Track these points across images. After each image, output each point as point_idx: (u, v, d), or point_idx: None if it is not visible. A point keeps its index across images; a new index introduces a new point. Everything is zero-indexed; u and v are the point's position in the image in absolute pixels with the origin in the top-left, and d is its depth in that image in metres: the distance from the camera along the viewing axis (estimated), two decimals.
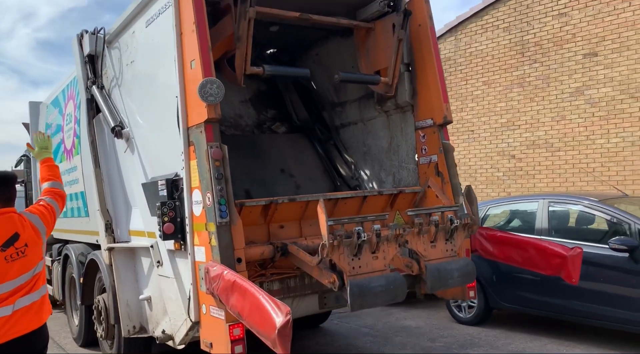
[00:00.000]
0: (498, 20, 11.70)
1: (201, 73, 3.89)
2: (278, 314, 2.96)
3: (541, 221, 6.35)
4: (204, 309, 4.01)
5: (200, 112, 3.95)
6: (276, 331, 2.90)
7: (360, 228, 3.74)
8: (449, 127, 5.25)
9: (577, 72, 10.51)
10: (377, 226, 3.78)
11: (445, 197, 5.08)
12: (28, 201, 10.28)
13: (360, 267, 3.81)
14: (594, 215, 6.18)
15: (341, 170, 6.28)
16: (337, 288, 3.77)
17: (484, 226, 6.37)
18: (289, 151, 6.21)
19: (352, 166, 6.23)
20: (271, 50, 6.71)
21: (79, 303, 6.61)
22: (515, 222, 7.04)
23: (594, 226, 6.39)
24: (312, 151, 6.36)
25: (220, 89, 3.83)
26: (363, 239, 3.71)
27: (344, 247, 3.73)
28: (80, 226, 6.98)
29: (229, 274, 3.51)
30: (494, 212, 7.24)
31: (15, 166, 10.98)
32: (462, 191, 5.01)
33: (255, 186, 5.58)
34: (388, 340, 6.55)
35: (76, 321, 7.15)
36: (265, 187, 5.65)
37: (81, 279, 6.42)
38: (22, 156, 10.35)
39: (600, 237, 5.92)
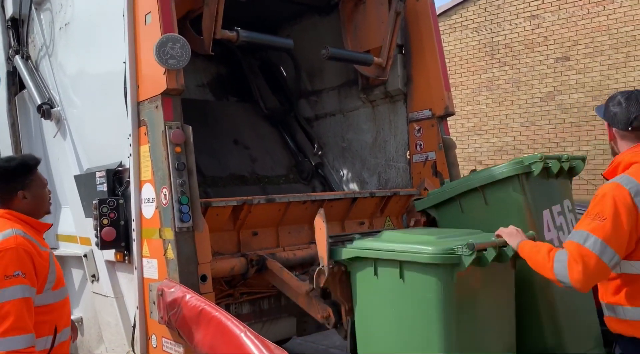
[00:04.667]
0: (467, 20, 11.23)
1: (160, 29, 2.95)
2: None
3: None
4: (153, 341, 3.06)
5: (156, 82, 3.01)
6: None
7: None
8: None
9: (549, 77, 10.16)
10: None
11: None
12: None
13: None
14: None
15: (301, 143, 5.48)
16: (332, 325, 2.98)
17: None
18: (242, 120, 5.35)
19: (315, 141, 5.41)
20: (235, 28, 5.79)
21: None
22: None
23: None
24: (268, 122, 5.53)
25: (184, 50, 2.91)
26: None
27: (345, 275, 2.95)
28: None
29: (192, 299, 2.58)
30: None
31: None
32: None
33: (205, 158, 4.69)
34: None
35: None
36: (217, 160, 4.79)
37: None
38: None
39: None
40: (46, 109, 4.18)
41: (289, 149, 5.46)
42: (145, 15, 3.07)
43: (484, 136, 10.94)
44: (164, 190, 2.96)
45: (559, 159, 3.32)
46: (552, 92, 10.06)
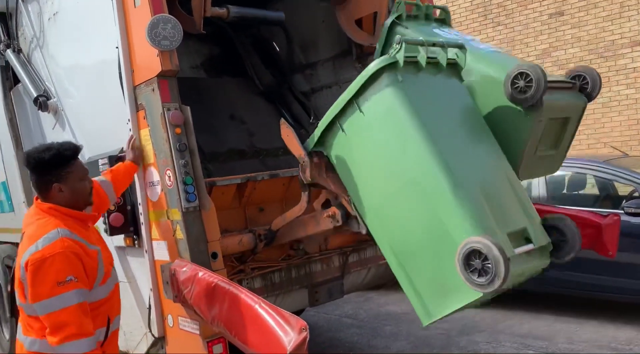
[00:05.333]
0: None
1: (150, 10, 2.93)
2: (287, 331, 2.12)
3: (538, 188, 5.76)
4: (170, 321, 3.11)
5: (150, 64, 3.00)
6: None
7: None
8: None
9: (543, 33, 10.07)
10: None
11: None
12: None
13: None
14: (603, 178, 5.63)
15: (298, 116, 5.46)
16: (342, 219, 2.95)
17: None
18: (238, 96, 5.34)
19: (312, 112, 5.37)
20: (226, 5, 5.73)
21: (8, 315, 5.51)
22: None
23: (597, 190, 5.89)
24: (263, 97, 5.51)
25: (176, 30, 2.89)
26: None
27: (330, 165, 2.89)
28: (4, 223, 5.82)
29: (205, 275, 2.62)
30: None
31: None
32: None
33: (203, 134, 4.70)
34: (377, 331, 5.83)
35: (7, 335, 6.02)
36: (214, 136, 4.80)
37: (9, 287, 5.31)
38: None
39: (610, 202, 5.41)
40: (42, 101, 4.16)
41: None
42: None
43: None
44: (168, 172, 2.98)
45: None
46: (547, 49, 9.99)
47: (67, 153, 2.50)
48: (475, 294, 2.38)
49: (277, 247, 3.65)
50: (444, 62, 2.83)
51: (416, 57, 2.67)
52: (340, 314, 6.61)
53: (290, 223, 3.26)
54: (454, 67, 2.96)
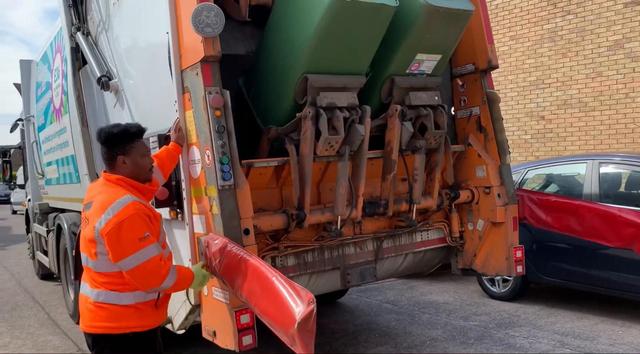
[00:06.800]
0: None
1: None
2: (298, 303, 2.26)
3: (590, 185, 5.58)
4: (205, 290, 3.34)
5: (195, 49, 3.19)
6: (295, 325, 2.21)
7: None
8: None
9: (617, 24, 9.56)
10: None
11: (488, 157, 4.32)
12: (24, 167, 9.84)
13: None
14: None
15: None
16: (309, 113, 3.39)
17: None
18: None
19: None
20: None
21: (72, 277, 5.99)
22: (559, 187, 6.28)
23: None
24: None
25: (219, 17, 3.06)
26: None
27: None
28: (72, 193, 6.32)
29: (233, 249, 2.81)
30: (534, 175, 6.47)
31: (11, 131, 10.34)
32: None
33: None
34: (415, 318, 5.89)
35: (72, 296, 6.56)
36: None
37: (73, 251, 5.77)
38: (17, 120, 9.71)
39: None
40: (105, 81, 4.49)
41: None
42: None
43: (546, 90, 10.51)
44: (207, 151, 3.17)
45: None
46: (620, 40, 9.48)
47: (132, 130, 2.84)
48: None
49: (311, 228, 3.80)
50: None
51: None
52: (382, 299, 6.70)
53: (299, 168, 3.51)
54: None
